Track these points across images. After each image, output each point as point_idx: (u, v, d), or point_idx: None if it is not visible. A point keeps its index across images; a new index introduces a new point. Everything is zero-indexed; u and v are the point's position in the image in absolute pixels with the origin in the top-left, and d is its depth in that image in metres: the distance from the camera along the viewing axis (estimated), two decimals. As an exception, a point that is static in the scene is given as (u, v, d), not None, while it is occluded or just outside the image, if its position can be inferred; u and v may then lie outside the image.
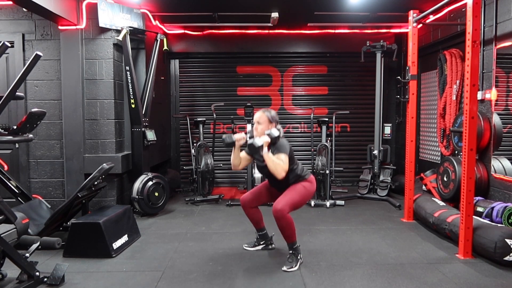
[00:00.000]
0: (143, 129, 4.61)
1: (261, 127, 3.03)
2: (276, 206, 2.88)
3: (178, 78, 6.43)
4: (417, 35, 4.17)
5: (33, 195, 3.77)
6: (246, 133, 3.08)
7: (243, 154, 3.17)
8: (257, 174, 5.17)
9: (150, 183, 4.42)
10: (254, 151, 2.89)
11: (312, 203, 4.93)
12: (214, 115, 5.68)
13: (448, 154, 4.59)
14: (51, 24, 4.35)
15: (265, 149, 2.87)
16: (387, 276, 2.81)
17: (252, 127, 3.02)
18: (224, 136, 3.06)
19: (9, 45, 2.41)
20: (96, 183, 3.51)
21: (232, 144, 3.05)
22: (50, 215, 3.43)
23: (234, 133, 5.70)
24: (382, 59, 5.35)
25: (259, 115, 3.06)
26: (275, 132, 2.91)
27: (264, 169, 3.01)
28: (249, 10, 5.04)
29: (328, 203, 4.89)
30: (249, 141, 2.90)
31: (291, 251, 3.02)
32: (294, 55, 6.33)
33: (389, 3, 4.72)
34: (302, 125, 6.43)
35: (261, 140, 2.86)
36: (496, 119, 3.78)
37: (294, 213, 3.01)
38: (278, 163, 2.84)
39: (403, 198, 4.40)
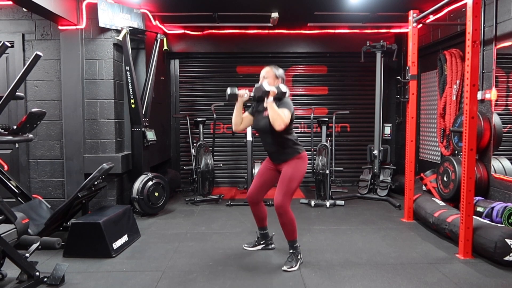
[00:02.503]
0: (143, 129, 4.61)
1: (267, 82, 3.00)
2: (277, 202, 2.89)
3: (178, 78, 6.43)
4: (417, 35, 4.17)
5: (33, 195, 3.77)
6: (249, 90, 3.02)
7: (245, 114, 3.15)
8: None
9: (150, 183, 4.42)
10: (260, 93, 2.84)
11: (312, 203, 4.93)
12: (214, 115, 5.68)
13: (448, 154, 4.59)
14: (51, 24, 4.36)
15: (271, 98, 2.83)
16: (387, 276, 2.81)
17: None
18: (228, 89, 2.99)
19: (9, 45, 2.41)
20: (96, 183, 3.51)
21: (234, 97, 2.99)
22: (50, 215, 3.43)
23: (234, 133, 5.74)
24: (382, 59, 5.35)
25: (267, 69, 3.05)
26: (283, 87, 2.89)
27: (261, 121, 2.97)
28: (249, 10, 5.04)
29: (328, 203, 4.89)
30: (257, 85, 2.85)
31: (291, 251, 3.02)
32: (294, 55, 6.33)
33: (389, 3, 4.72)
34: (302, 125, 6.43)
35: (269, 87, 2.83)
36: (496, 119, 3.78)
37: (294, 213, 3.01)
38: (280, 114, 2.79)
39: (403, 198, 4.40)
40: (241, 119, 3.12)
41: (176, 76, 6.42)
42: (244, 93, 3.00)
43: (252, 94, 2.98)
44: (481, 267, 2.96)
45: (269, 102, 2.82)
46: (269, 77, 3.03)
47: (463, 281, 2.72)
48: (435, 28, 5.07)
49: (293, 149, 3.00)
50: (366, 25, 5.67)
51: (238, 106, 3.07)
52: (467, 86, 3.11)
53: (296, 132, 6.22)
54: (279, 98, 2.91)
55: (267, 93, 2.82)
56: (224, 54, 6.29)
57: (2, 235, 2.44)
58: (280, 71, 3.10)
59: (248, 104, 3.08)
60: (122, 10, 4.52)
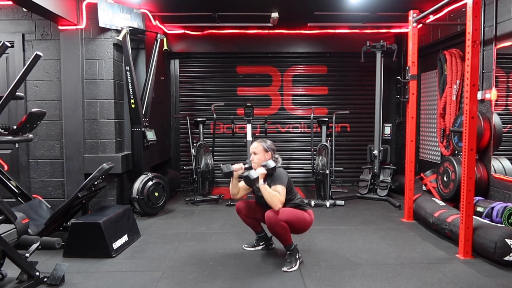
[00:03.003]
0: (143, 129, 4.61)
1: (258, 157, 3.07)
2: (268, 214, 2.87)
3: (178, 78, 6.43)
4: (417, 35, 4.17)
5: (33, 195, 3.77)
6: (244, 163, 3.11)
7: (242, 184, 3.18)
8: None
9: (150, 183, 4.42)
10: (250, 183, 2.94)
11: (312, 203, 4.93)
12: (214, 115, 5.68)
13: (448, 154, 4.59)
14: (51, 24, 4.35)
15: (261, 181, 2.90)
16: (387, 276, 2.81)
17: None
18: (222, 166, 3.06)
19: (9, 45, 2.41)
20: (96, 183, 3.51)
21: (230, 174, 3.07)
22: (50, 215, 3.43)
23: (234, 133, 5.75)
24: (382, 59, 5.35)
25: (255, 145, 3.11)
26: (271, 164, 2.94)
27: (261, 199, 3.00)
28: (249, 10, 5.04)
29: (328, 203, 4.89)
30: (245, 173, 2.92)
31: (288, 252, 3.02)
32: (294, 55, 6.33)
33: (389, 3, 4.72)
34: (302, 125, 6.43)
35: (256, 173, 2.90)
36: (496, 119, 3.78)
37: (294, 213, 3.01)
38: (275, 195, 2.84)
39: (403, 198, 4.40)
40: (238, 190, 3.19)
41: (176, 76, 6.42)
42: (238, 168, 3.07)
43: (245, 168, 3.06)
44: (481, 267, 2.96)
45: (260, 186, 2.88)
46: (259, 152, 3.07)
47: (463, 281, 2.72)
48: (435, 28, 5.07)
49: (297, 205, 3.04)
50: (366, 25, 5.67)
51: (234, 180, 3.14)
52: (467, 86, 3.11)
53: (296, 132, 6.36)
54: (270, 174, 2.96)
55: (256, 180, 2.87)
56: (224, 54, 6.29)
57: (2, 235, 2.44)
58: (269, 143, 3.13)
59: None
60: (122, 10, 4.52)
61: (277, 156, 3.12)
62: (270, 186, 2.91)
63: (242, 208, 3.27)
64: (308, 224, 3.04)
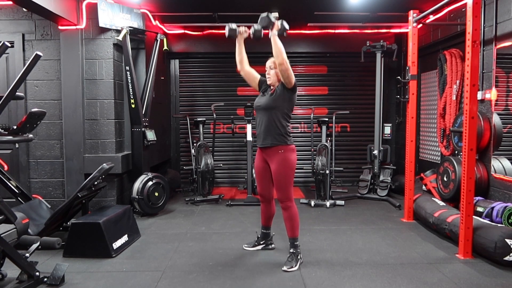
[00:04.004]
0: (143, 129, 4.61)
1: (273, 72, 3.05)
2: (279, 197, 3.02)
3: (178, 78, 6.43)
4: (417, 35, 4.17)
5: (33, 195, 3.77)
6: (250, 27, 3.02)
7: (255, 71, 3.21)
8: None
9: (150, 183, 4.42)
10: (265, 23, 2.83)
11: (312, 203, 4.93)
12: (214, 115, 5.68)
13: (448, 154, 4.59)
14: (51, 24, 4.36)
15: (275, 30, 2.84)
16: (387, 276, 2.81)
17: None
18: (227, 25, 2.98)
19: (9, 45, 2.41)
20: (96, 183, 3.51)
21: (234, 32, 2.99)
22: (50, 215, 3.43)
23: (234, 133, 5.75)
24: (382, 59, 5.35)
25: (272, 60, 3.07)
26: (286, 25, 2.87)
27: (263, 99, 3.03)
28: (249, 10, 5.03)
29: (328, 203, 4.89)
30: (263, 14, 2.84)
31: (291, 250, 3.02)
32: (294, 55, 6.32)
33: (389, 3, 4.72)
34: (302, 125, 6.43)
35: (275, 20, 2.81)
36: (496, 119, 3.78)
37: (294, 213, 3.01)
38: (283, 51, 2.81)
39: (403, 198, 4.40)
40: (242, 56, 3.16)
41: (176, 76, 6.42)
42: (243, 30, 3.02)
43: (251, 31, 2.98)
44: (481, 267, 2.96)
45: (273, 35, 2.84)
46: (275, 68, 3.05)
47: (463, 281, 2.72)
48: (435, 28, 5.07)
49: (282, 137, 3.00)
50: (366, 25, 5.67)
51: (238, 44, 3.10)
52: (467, 86, 3.11)
53: (296, 132, 6.35)
54: (281, 34, 2.88)
55: (272, 24, 2.81)
56: (224, 54, 6.28)
57: (2, 235, 2.44)
58: None
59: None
60: (122, 10, 4.52)
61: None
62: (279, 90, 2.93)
63: (264, 189, 3.21)
64: (295, 163, 3.06)
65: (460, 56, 4.37)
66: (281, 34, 2.88)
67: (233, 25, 2.99)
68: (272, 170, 3.05)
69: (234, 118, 5.83)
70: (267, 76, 3.11)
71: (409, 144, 4.28)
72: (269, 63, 3.10)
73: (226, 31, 3.00)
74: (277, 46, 2.84)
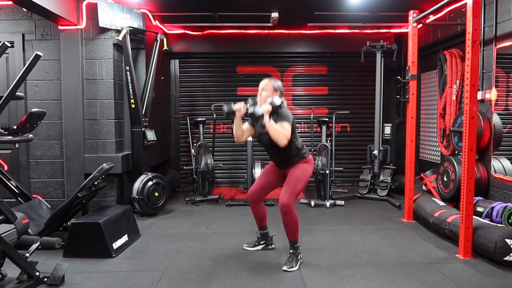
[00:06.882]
0: (143, 129, 4.61)
1: (265, 94, 3.01)
2: (282, 201, 2.90)
3: (178, 78, 6.43)
4: (417, 35, 4.17)
5: (33, 195, 3.77)
6: (245, 103, 2.99)
7: (246, 125, 3.15)
8: (257, 174, 5.16)
9: (150, 183, 4.42)
10: (255, 119, 2.89)
11: (312, 203, 4.93)
12: (214, 115, 5.68)
13: (448, 154, 4.59)
14: (51, 24, 4.35)
15: (267, 117, 2.83)
16: (387, 276, 2.81)
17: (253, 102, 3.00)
18: (223, 105, 2.97)
19: (9, 45, 2.41)
20: (96, 183, 3.51)
21: (231, 113, 2.99)
22: (50, 215, 3.43)
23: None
24: (382, 59, 5.35)
25: (265, 82, 3.05)
26: (277, 101, 2.87)
27: (264, 137, 2.98)
28: (249, 10, 5.04)
29: (328, 203, 4.89)
30: (250, 110, 2.86)
31: (291, 251, 3.02)
32: (294, 55, 6.33)
33: (389, 3, 4.72)
34: (302, 125, 6.43)
35: (262, 109, 2.83)
36: (496, 119, 3.78)
37: (294, 213, 3.01)
38: (281, 131, 2.79)
39: (403, 198, 4.40)
40: (242, 131, 3.11)
41: (176, 76, 6.42)
42: (240, 107, 2.98)
43: (248, 107, 2.97)
44: (481, 267, 2.96)
45: (266, 122, 2.83)
46: (268, 90, 3.02)
47: (463, 281, 2.72)
48: (435, 28, 5.07)
49: (299, 155, 3.02)
50: (366, 25, 5.67)
51: (237, 121, 3.06)
52: (467, 86, 3.11)
53: (296, 132, 6.34)
54: (276, 111, 2.92)
55: (262, 116, 2.83)
56: (224, 54, 6.29)
57: (2, 235, 2.44)
58: (279, 83, 3.09)
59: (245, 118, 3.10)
60: (122, 10, 4.52)
61: (283, 99, 3.01)
62: (276, 123, 2.87)
63: (255, 192, 3.20)
64: (310, 174, 3.05)
65: (460, 56, 4.37)
66: (277, 109, 2.90)
67: (230, 106, 2.97)
68: (288, 174, 3.02)
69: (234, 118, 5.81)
70: (258, 96, 3.05)
71: (409, 144, 4.28)
72: (262, 84, 3.06)
73: (223, 113, 2.99)
74: (274, 130, 2.80)
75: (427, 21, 4.74)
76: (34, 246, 2.70)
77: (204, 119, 5.58)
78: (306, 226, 4.03)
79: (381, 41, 5.28)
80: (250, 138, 5.24)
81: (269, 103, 2.88)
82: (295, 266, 2.94)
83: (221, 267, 3.00)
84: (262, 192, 3.21)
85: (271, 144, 2.91)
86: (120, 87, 4.60)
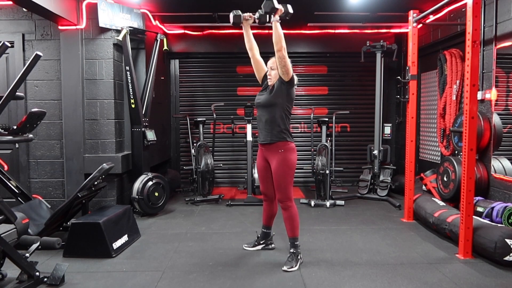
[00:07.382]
0: (143, 129, 4.61)
1: (274, 72, 3.06)
2: (279, 197, 3.01)
3: (178, 78, 6.43)
4: (417, 35, 4.17)
5: (33, 195, 3.77)
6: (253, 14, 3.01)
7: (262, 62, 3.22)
8: (256, 174, 5.16)
9: (150, 183, 4.42)
10: (268, 9, 2.83)
11: (312, 203, 4.93)
12: (214, 115, 5.68)
13: (448, 154, 4.59)
14: (51, 24, 4.35)
15: (277, 16, 2.84)
16: (387, 276, 2.81)
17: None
18: (231, 13, 2.97)
19: (9, 45, 2.41)
20: (96, 183, 3.51)
21: (239, 18, 2.97)
22: (50, 215, 3.43)
23: (234, 133, 5.74)
24: (382, 59, 5.35)
25: (273, 60, 3.08)
26: (290, 9, 2.88)
27: (262, 96, 3.04)
28: (249, 10, 5.01)
29: (328, 203, 4.89)
30: (261, 11, 2.86)
31: (291, 250, 3.03)
32: (294, 55, 6.32)
33: (389, 3, 4.72)
34: (302, 125, 6.43)
35: (278, 5, 2.81)
36: (496, 119, 3.78)
37: (294, 213, 3.01)
38: (283, 38, 2.82)
39: (403, 198, 4.40)
40: (252, 43, 3.19)
41: (176, 76, 6.42)
42: (248, 16, 3.00)
43: (256, 16, 2.96)
44: (481, 267, 2.96)
45: (274, 21, 2.83)
46: (276, 68, 3.06)
47: (463, 281, 2.72)
48: (435, 28, 5.07)
49: (282, 133, 3.00)
50: (366, 25, 5.67)
51: (245, 31, 3.13)
52: (467, 86, 3.11)
53: (296, 132, 6.35)
54: (285, 19, 2.90)
55: (275, 10, 2.81)
56: (224, 54, 6.28)
57: (2, 235, 2.44)
58: None
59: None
60: (122, 10, 4.52)
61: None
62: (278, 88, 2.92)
63: (266, 188, 3.21)
64: (295, 161, 3.04)
65: (460, 56, 4.37)
66: (284, 17, 2.88)
67: (238, 12, 2.98)
68: (272, 170, 3.06)
69: (234, 118, 5.83)
70: (268, 77, 3.12)
71: (409, 144, 4.28)
72: (270, 63, 3.11)
73: (230, 18, 2.98)
74: (278, 32, 2.84)
75: (427, 21, 4.74)
76: (34, 246, 2.70)
77: (204, 119, 5.57)
78: (306, 226, 4.03)
79: (381, 41, 5.28)
80: (250, 138, 5.24)
81: (283, 6, 2.87)
82: (295, 266, 2.94)
83: (221, 267, 3.00)
84: (270, 185, 3.19)
85: (266, 104, 2.96)
86: (120, 87, 4.60)
